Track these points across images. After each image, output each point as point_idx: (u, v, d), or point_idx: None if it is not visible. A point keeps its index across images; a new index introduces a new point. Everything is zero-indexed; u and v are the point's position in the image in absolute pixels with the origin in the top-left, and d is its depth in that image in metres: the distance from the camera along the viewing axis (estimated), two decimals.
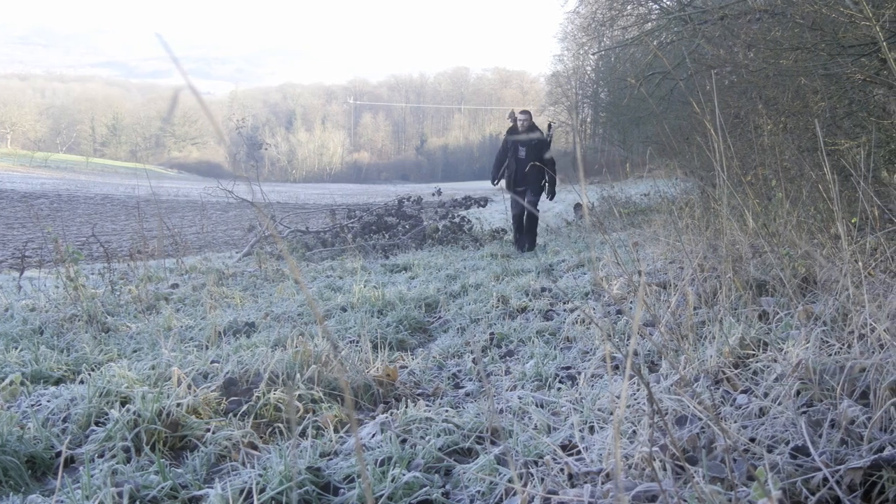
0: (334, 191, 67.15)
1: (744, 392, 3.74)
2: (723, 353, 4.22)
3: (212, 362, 5.22)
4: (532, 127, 15.51)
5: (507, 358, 5.99)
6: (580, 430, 3.55)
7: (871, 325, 3.60)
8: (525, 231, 15.74)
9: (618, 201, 19.04)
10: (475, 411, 4.22)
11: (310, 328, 6.62)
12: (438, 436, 3.85)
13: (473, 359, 5.91)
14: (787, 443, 2.90)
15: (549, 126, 15.86)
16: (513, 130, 15.59)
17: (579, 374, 4.97)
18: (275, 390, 4.50)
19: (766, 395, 3.47)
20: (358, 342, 6.01)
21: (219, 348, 5.92)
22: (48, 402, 4.59)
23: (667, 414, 3.43)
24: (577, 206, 23.18)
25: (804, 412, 3.17)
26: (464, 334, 6.95)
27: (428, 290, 9.07)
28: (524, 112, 15.72)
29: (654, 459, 2.82)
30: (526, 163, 15.20)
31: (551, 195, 15.73)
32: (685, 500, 2.54)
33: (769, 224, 6.34)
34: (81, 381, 5.13)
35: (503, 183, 15.87)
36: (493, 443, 3.83)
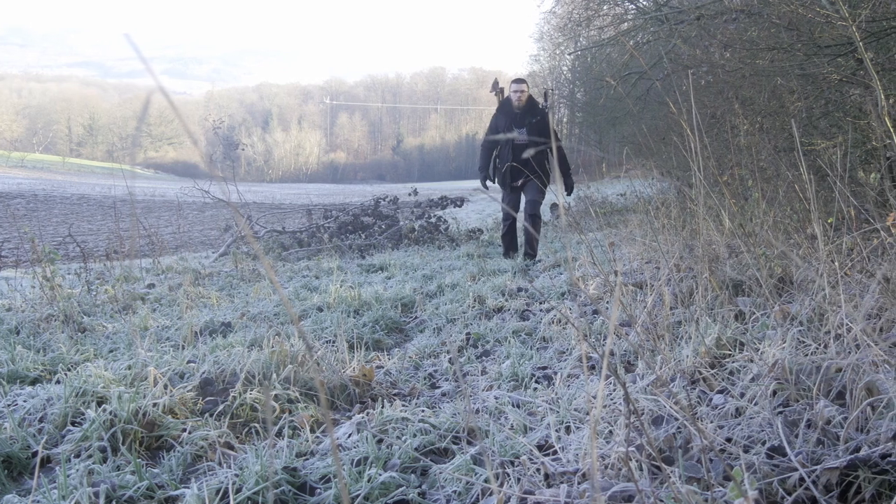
0: (311, 191, 67.11)
1: (720, 392, 3.74)
2: (699, 353, 4.22)
3: (188, 362, 5.20)
4: (532, 104, 12.42)
5: (484, 358, 5.98)
6: (556, 431, 3.55)
7: (847, 325, 3.60)
8: (526, 237, 12.83)
9: (594, 201, 19.05)
10: (451, 411, 4.21)
11: (286, 328, 6.60)
12: (415, 436, 3.83)
13: (450, 359, 5.90)
14: (764, 443, 2.89)
15: (546, 95, 13.26)
16: (505, 106, 12.56)
17: (556, 374, 4.96)
18: (251, 390, 4.49)
19: (742, 395, 3.47)
20: (334, 342, 5.99)
21: (195, 348, 5.90)
22: (24, 402, 4.55)
23: (643, 414, 3.43)
24: (554, 206, 23.15)
25: (780, 412, 3.17)
26: (440, 334, 6.95)
27: (404, 290, 9.06)
28: (518, 82, 12.46)
29: (631, 459, 2.82)
30: (525, 148, 11.78)
31: (569, 188, 12.74)
32: (661, 500, 2.54)
33: (745, 224, 6.35)
34: (58, 381, 5.10)
35: (499, 180, 12.88)
36: (469, 443, 3.82)
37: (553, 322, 6.50)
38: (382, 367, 5.57)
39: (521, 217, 13.35)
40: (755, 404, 3.26)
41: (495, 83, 13.33)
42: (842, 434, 2.82)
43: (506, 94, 12.98)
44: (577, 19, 24.35)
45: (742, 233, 6.08)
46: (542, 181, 12.31)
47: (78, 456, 3.77)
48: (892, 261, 4.40)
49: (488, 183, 13.09)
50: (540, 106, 12.65)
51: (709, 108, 8.72)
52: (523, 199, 12.80)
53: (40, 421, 4.30)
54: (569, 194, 13.00)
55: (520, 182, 12.56)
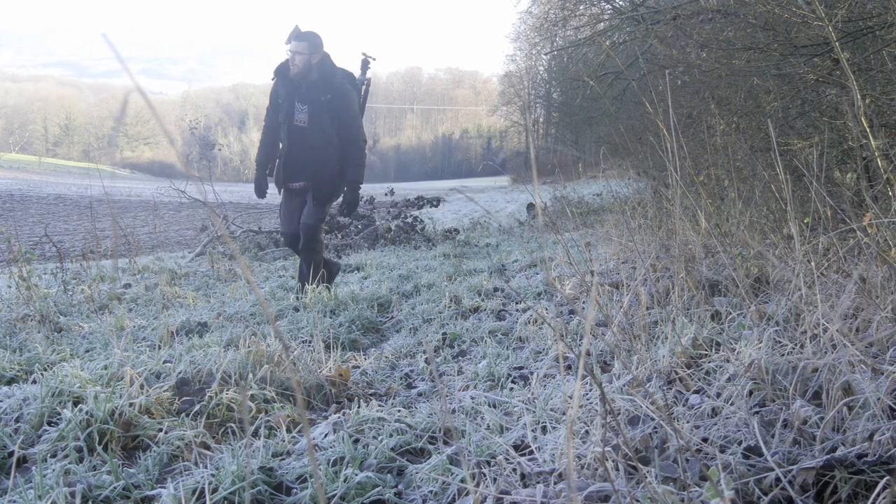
0: None
1: (696, 392, 3.74)
2: (675, 353, 4.22)
3: (164, 362, 5.18)
4: (326, 74, 8.84)
5: (460, 358, 5.97)
6: (533, 431, 3.54)
7: (823, 325, 3.61)
8: (301, 258, 9.31)
9: (571, 201, 19.07)
10: (428, 411, 4.20)
11: (262, 328, 6.59)
12: (391, 436, 3.82)
13: (426, 359, 5.89)
14: (740, 443, 2.89)
15: (364, 64, 9.70)
16: (284, 72, 8.93)
17: (532, 374, 4.96)
18: (227, 390, 4.47)
19: (718, 395, 3.47)
20: (310, 342, 5.98)
21: (171, 348, 5.88)
22: (0, 402, 4.53)
23: (619, 414, 3.42)
24: (530, 206, 23.18)
25: (757, 412, 3.17)
26: (416, 334, 6.94)
27: (381, 290, 9.05)
28: (299, 38, 8.69)
29: (607, 459, 2.81)
30: (308, 136, 8.90)
31: (349, 208, 9.33)
32: (638, 500, 2.53)
33: (722, 224, 6.36)
34: (34, 381, 5.07)
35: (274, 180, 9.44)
36: (445, 443, 3.81)
37: (529, 322, 6.49)
38: (359, 367, 5.55)
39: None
40: (731, 404, 3.26)
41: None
42: (818, 434, 2.82)
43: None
44: (553, 19, 24.43)
45: (718, 233, 6.09)
46: (329, 186, 9.08)
47: (54, 456, 3.76)
48: (869, 261, 4.41)
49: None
50: (348, 78, 9.13)
51: (685, 108, 8.74)
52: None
53: (16, 421, 4.28)
54: (350, 193, 9.15)
55: (299, 184, 9.11)
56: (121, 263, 12.89)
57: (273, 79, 9.14)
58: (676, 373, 4.03)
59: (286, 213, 9.28)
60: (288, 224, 9.26)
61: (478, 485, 3.04)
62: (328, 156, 8.98)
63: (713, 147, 7.54)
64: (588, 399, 3.84)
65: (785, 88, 7.32)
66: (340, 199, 9.43)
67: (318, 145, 8.91)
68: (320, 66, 8.80)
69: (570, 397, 3.80)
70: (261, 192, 9.50)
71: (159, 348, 5.98)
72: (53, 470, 3.38)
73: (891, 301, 3.90)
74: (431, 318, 7.51)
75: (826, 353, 3.41)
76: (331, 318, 7.42)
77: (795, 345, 3.74)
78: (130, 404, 4.13)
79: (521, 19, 69.08)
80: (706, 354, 4.21)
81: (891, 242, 4.61)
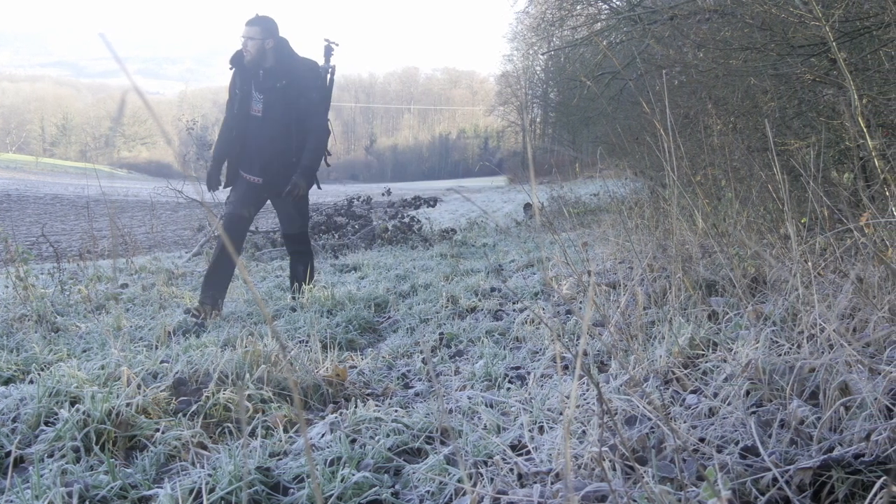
0: None
1: (693, 392, 3.74)
2: (672, 353, 4.22)
3: (161, 362, 5.17)
4: (284, 61, 8.28)
5: (457, 358, 5.97)
6: (530, 431, 3.54)
7: (820, 325, 3.61)
8: (292, 260, 9.04)
9: (567, 201, 19.05)
10: (425, 411, 4.20)
11: (259, 328, 6.60)
12: (388, 436, 3.82)
13: (423, 359, 5.89)
14: (737, 443, 2.90)
15: (327, 50, 8.79)
16: (239, 60, 8.34)
17: (529, 374, 4.95)
18: (224, 390, 4.48)
19: (715, 395, 3.47)
20: (307, 342, 5.97)
21: (168, 348, 5.88)
22: None
23: (616, 414, 3.42)
24: (527, 206, 23.15)
25: (754, 412, 3.17)
26: (413, 334, 6.93)
27: (377, 290, 9.05)
28: (250, 24, 8.15)
29: (604, 459, 2.81)
30: (264, 126, 8.30)
31: (291, 189, 8.31)
32: (635, 500, 2.53)
33: (719, 224, 6.36)
34: (31, 381, 5.09)
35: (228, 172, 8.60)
36: (442, 443, 3.81)
37: (526, 322, 6.49)
38: (356, 367, 5.56)
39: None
40: (728, 404, 3.26)
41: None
42: (815, 434, 2.82)
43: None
44: (550, 19, 24.39)
45: (715, 233, 6.09)
46: (302, 181, 8.35)
47: (51, 456, 3.76)
48: (866, 261, 4.41)
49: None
50: (309, 67, 8.50)
51: (682, 108, 8.73)
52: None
53: (13, 421, 4.28)
54: (304, 183, 8.31)
55: (255, 178, 8.41)
56: (118, 263, 12.90)
57: (230, 68, 8.47)
58: (673, 373, 4.03)
59: (238, 195, 8.41)
60: (240, 205, 8.37)
61: (475, 485, 3.04)
62: (286, 147, 8.36)
63: (710, 147, 7.53)
64: (585, 399, 3.83)
65: (782, 88, 7.32)
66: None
67: (275, 136, 8.29)
68: (276, 52, 8.22)
69: (567, 397, 3.80)
70: (212, 184, 8.62)
71: (156, 348, 5.97)
72: (50, 470, 3.38)
73: (888, 301, 3.90)
74: (428, 318, 7.51)
75: (823, 352, 3.41)
76: (328, 318, 7.42)
77: (792, 345, 3.74)
78: (127, 404, 4.13)
79: (518, 19, 69.19)
80: (703, 354, 4.21)
81: (888, 242, 4.61)
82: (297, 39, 8.86)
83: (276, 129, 8.29)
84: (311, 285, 8.54)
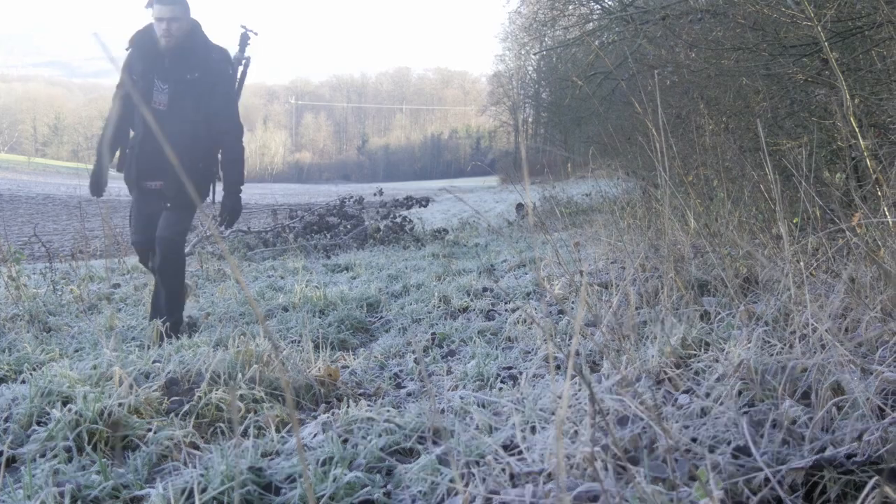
0: (276, 191, 66.95)
1: (685, 392, 3.74)
2: (664, 353, 4.22)
3: (153, 362, 5.18)
4: (194, 42, 7.09)
5: (449, 358, 5.98)
6: (522, 431, 3.53)
7: (812, 325, 3.61)
8: (157, 279, 7.36)
9: (560, 201, 19.04)
10: (417, 411, 4.20)
11: (251, 328, 6.60)
12: (380, 436, 3.82)
13: (415, 359, 5.89)
14: (729, 443, 2.89)
15: (243, 38, 7.99)
16: (145, 41, 7.06)
17: (521, 374, 4.95)
18: (216, 390, 4.47)
19: (707, 395, 3.47)
20: (299, 342, 5.97)
21: (160, 348, 5.88)
22: None
23: (608, 414, 3.42)
24: (520, 206, 23.15)
25: (746, 412, 3.16)
26: (405, 334, 6.94)
27: (370, 290, 9.04)
28: (163, 2, 6.77)
29: (596, 459, 2.81)
30: (168, 122, 6.99)
31: (229, 217, 7.20)
32: (627, 500, 2.53)
33: (711, 224, 6.36)
34: (23, 381, 5.09)
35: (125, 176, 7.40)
36: (434, 443, 3.80)
37: (518, 322, 6.49)
38: (348, 367, 5.55)
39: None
40: (720, 404, 3.26)
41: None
42: (807, 434, 2.82)
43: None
44: (542, 19, 24.42)
45: (707, 233, 6.09)
46: (195, 188, 7.21)
47: (43, 456, 3.76)
48: (858, 261, 4.41)
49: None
50: (222, 56, 7.31)
51: (674, 108, 8.74)
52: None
53: (5, 421, 4.29)
54: (229, 198, 7.26)
55: (156, 184, 7.20)
56: (110, 263, 12.88)
57: (128, 49, 7.16)
58: (665, 373, 4.03)
59: (139, 218, 7.28)
60: (142, 231, 7.27)
61: (467, 485, 3.04)
62: (193, 149, 7.10)
63: (702, 147, 7.54)
64: (577, 399, 3.83)
65: (774, 88, 7.33)
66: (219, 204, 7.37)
67: (180, 134, 6.90)
68: (191, 38, 7.05)
69: (559, 397, 3.80)
70: (97, 189, 7.30)
71: (148, 348, 5.97)
72: (42, 470, 3.38)
73: (880, 301, 3.91)
74: (420, 318, 7.52)
75: (815, 352, 3.42)
76: (320, 318, 7.42)
77: (784, 345, 3.74)
78: (119, 404, 4.13)
79: (511, 19, 69.45)
80: (695, 354, 4.21)
81: (879, 242, 4.61)
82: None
83: (183, 127, 6.97)
84: (171, 325, 6.77)
